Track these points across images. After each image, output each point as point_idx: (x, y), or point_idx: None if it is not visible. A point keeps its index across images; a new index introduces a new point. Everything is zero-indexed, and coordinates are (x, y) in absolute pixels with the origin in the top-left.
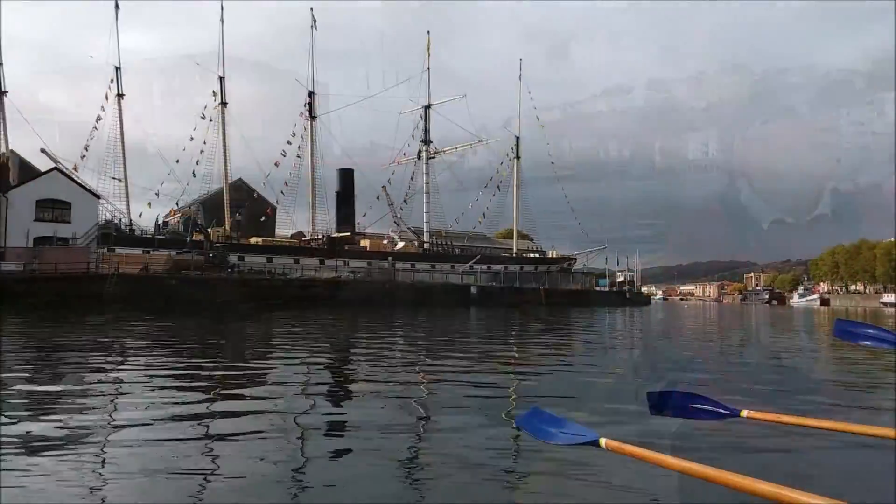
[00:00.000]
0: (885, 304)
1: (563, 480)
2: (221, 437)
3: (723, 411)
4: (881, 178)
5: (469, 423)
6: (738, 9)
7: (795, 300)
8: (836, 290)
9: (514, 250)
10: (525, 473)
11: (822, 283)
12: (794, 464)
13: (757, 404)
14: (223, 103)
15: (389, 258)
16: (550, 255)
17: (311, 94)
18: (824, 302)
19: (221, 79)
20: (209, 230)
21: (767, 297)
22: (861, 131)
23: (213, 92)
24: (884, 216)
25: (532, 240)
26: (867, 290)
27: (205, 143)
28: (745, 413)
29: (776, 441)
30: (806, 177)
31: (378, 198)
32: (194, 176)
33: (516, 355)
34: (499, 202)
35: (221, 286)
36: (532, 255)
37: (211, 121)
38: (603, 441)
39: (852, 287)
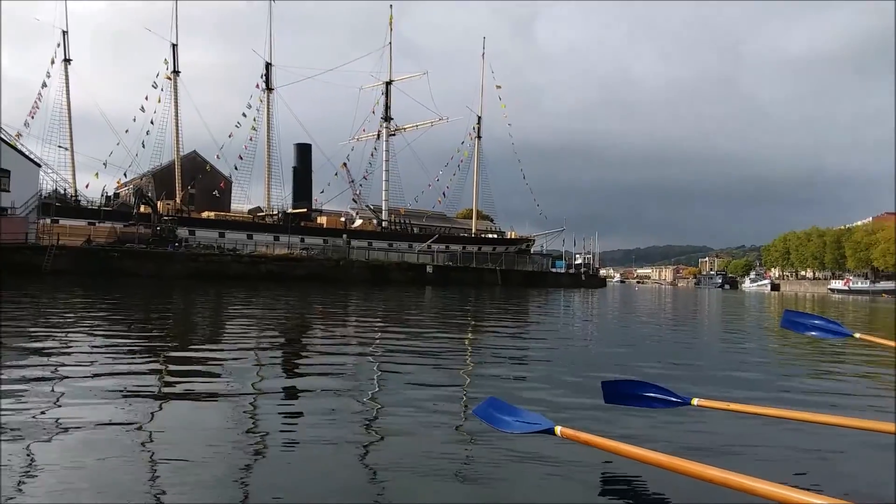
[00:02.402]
0: (833, 291)
1: (519, 469)
2: (166, 422)
3: (675, 400)
4: (839, 165)
5: (423, 413)
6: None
7: (747, 285)
8: (787, 276)
9: (474, 230)
10: (481, 462)
11: (773, 269)
12: (741, 450)
13: (707, 393)
14: (175, 72)
15: (344, 235)
16: (509, 236)
17: (268, 66)
18: (775, 287)
19: (174, 46)
20: (158, 203)
21: (720, 281)
22: (822, 116)
23: (165, 60)
24: (835, 204)
25: (492, 220)
26: (816, 277)
27: (155, 112)
28: (695, 401)
29: (725, 428)
30: (763, 162)
31: (336, 174)
32: (143, 146)
33: (471, 340)
34: (459, 182)
35: (166, 261)
36: (491, 235)
37: (163, 90)
38: (558, 429)
39: (802, 273)
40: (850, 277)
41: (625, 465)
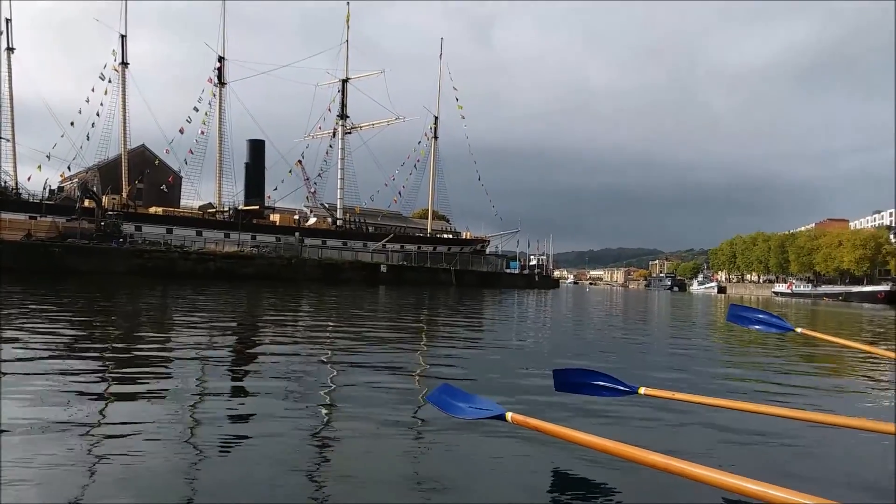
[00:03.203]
0: (777, 293)
1: (471, 454)
2: (109, 426)
3: (622, 388)
4: (784, 173)
5: (377, 400)
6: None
7: (695, 287)
8: (733, 279)
9: (429, 230)
10: (433, 448)
11: (720, 272)
12: (683, 437)
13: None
14: (124, 63)
15: (296, 233)
16: (464, 237)
17: (220, 60)
18: (721, 290)
19: (123, 37)
20: (104, 197)
21: (670, 283)
22: (773, 125)
23: (114, 51)
24: (780, 210)
25: (448, 221)
26: (761, 280)
27: (101, 104)
28: (642, 390)
29: (670, 416)
30: (713, 168)
31: (291, 172)
32: (88, 139)
33: (425, 333)
34: (415, 181)
35: (110, 257)
36: (446, 235)
37: (110, 82)
38: (509, 415)
39: (748, 276)
40: (794, 281)
41: (572, 450)
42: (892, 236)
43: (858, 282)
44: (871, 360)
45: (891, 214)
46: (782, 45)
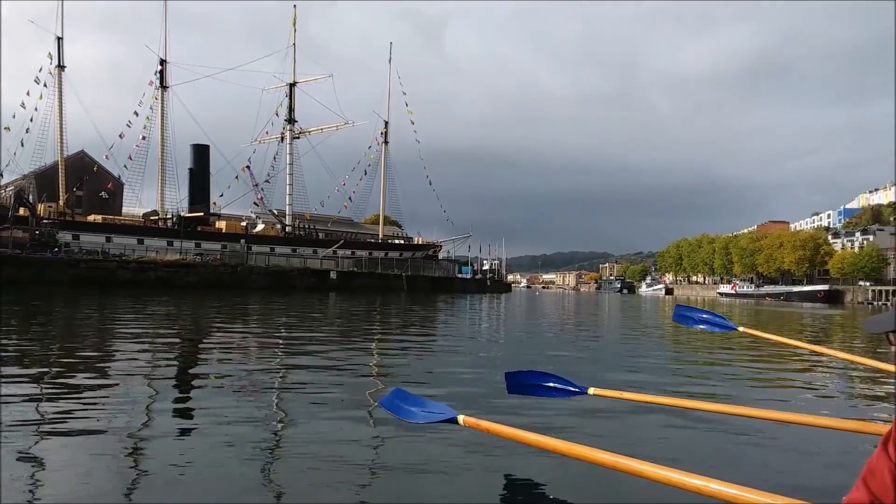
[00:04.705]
0: (722, 294)
1: (424, 458)
2: (51, 434)
3: (573, 389)
4: (726, 177)
5: (330, 405)
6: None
7: (644, 289)
8: (680, 281)
9: (381, 236)
10: (386, 452)
11: (667, 274)
12: (630, 435)
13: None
14: (61, 66)
15: (242, 241)
16: (416, 242)
17: (162, 62)
18: (669, 291)
19: (59, 39)
20: (40, 205)
21: (619, 286)
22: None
23: (49, 54)
24: (720, 212)
25: (400, 226)
26: (706, 281)
27: (36, 109)
28: (592, 391)
29: (618, 415)
30: (659, 172)
31: (237, 177)
32: (22, 145)
33: (376, 340)
34: (366, 187)
35: (44, 267)
36: (398, 241)
37: (46, 86)
38: (461, 418)
39: (694, 278)
40: (737, 282)
41: (524, 451)
42: (830, 237)
43: (798, 282)
44: (804, 355)
45: (829, 216)
46: (723, 51)
